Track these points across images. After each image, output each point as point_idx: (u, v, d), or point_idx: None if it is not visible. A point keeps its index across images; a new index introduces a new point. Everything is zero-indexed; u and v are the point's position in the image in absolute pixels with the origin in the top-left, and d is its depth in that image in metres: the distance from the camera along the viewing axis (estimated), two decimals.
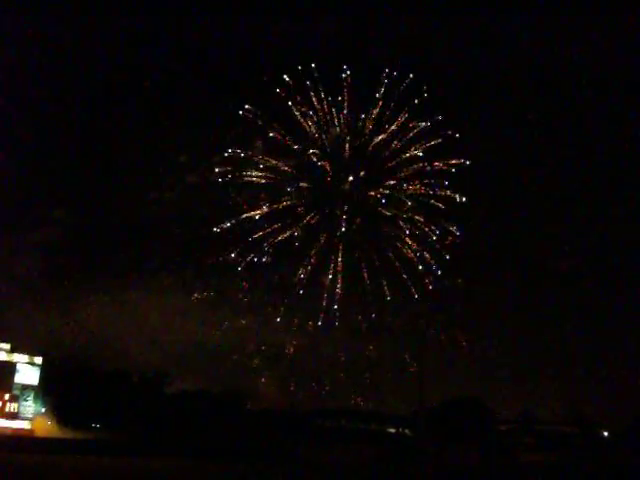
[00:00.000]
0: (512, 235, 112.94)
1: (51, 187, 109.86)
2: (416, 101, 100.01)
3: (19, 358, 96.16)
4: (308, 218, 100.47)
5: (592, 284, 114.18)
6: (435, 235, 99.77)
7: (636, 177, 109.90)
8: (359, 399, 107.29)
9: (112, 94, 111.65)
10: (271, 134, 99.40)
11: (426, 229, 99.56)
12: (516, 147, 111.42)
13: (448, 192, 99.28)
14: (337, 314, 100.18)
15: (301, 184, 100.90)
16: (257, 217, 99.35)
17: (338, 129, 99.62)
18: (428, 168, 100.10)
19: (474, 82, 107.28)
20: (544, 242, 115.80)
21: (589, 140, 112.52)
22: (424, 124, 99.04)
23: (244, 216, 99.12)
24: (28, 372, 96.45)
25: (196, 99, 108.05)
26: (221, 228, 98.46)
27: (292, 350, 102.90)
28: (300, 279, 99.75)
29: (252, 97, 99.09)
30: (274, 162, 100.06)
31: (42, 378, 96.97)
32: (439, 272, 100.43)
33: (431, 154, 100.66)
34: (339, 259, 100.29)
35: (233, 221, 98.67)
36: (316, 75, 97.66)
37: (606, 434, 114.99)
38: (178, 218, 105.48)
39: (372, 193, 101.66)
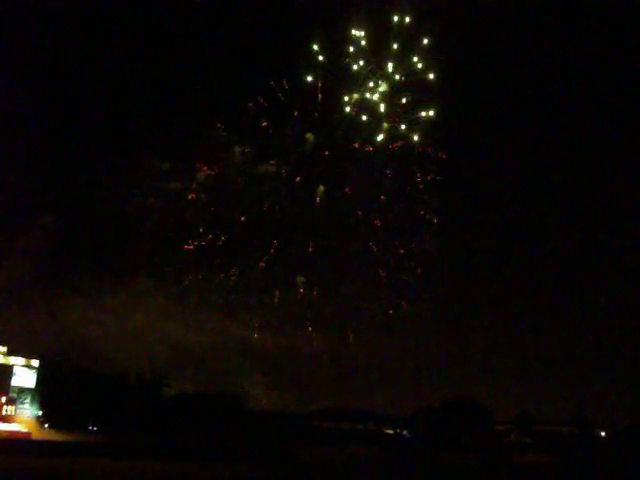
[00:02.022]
0: (509, 235, 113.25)
1: (39, 194, 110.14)
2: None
3: (16, 361, 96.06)
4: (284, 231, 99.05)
5: (591, 284, 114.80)
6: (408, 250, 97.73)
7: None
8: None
9: (98, 101, 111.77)
10: (245, 149, 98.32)
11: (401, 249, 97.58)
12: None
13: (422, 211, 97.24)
14: (310, 322, 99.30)
15: (276, 197, 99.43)
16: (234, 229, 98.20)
17: (312, 137, 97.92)
18: (411, 189, 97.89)
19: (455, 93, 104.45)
20: (542, 242, 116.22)
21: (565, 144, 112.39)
22: (398, 144, 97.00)
23: (218, 232, 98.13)
24: (25, 375, 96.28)
25: (178, 108, 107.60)
26: (195, 243, 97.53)
27: (274, 352, 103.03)
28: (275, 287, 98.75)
29: (227, 112, 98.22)
30: (248, 177, 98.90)
31: (39, 381, 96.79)
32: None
33: (406, 168, 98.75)
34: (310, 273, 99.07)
35: (210, 237, 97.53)
36: (287, 88, 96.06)
37: (603, 434, 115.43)
38: (160, 224, 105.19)
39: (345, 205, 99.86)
